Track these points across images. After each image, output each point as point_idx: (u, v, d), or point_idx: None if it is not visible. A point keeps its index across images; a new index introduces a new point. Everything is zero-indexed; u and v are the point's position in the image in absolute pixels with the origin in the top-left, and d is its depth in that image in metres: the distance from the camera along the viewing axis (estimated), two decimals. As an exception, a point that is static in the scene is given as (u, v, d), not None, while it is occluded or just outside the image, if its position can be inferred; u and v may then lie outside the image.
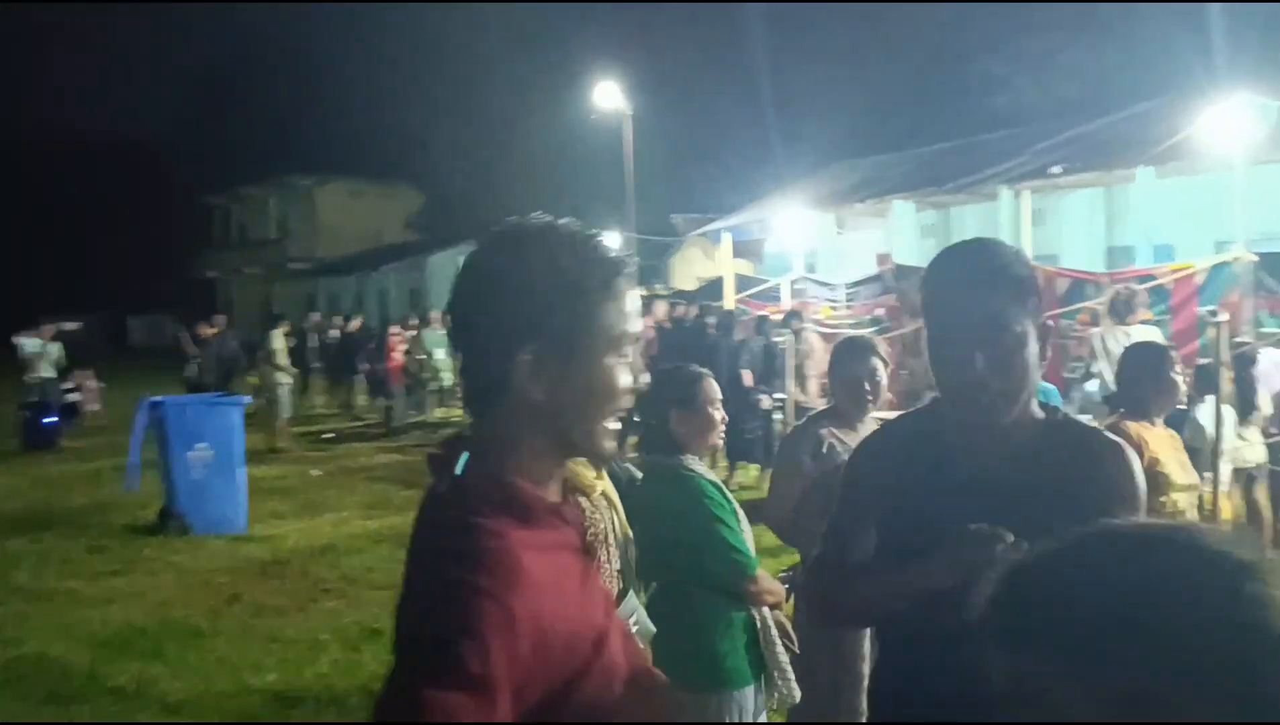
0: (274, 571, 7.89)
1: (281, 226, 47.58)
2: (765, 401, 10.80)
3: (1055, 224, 19.29)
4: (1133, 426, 3.94)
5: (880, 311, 15.42)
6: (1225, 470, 7.08)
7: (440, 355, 17.22)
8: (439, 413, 17.49)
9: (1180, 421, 7.84)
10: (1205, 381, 7.13)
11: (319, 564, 8.04)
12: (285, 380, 14.20)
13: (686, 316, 12.35)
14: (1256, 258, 10.01)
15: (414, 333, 17.31)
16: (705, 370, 3.38)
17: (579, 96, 29.33)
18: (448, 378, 17.59)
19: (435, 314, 17.56)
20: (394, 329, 17.93)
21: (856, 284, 16.31)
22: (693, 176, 33.76)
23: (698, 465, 3.29)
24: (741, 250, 28.09)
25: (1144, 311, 8.08)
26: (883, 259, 23.61)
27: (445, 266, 37.44)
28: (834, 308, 16.29)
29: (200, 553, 8.33)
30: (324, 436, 15.65)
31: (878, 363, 3.96)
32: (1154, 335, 7.70)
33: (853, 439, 3.70)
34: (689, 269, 32.02)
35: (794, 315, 12.06)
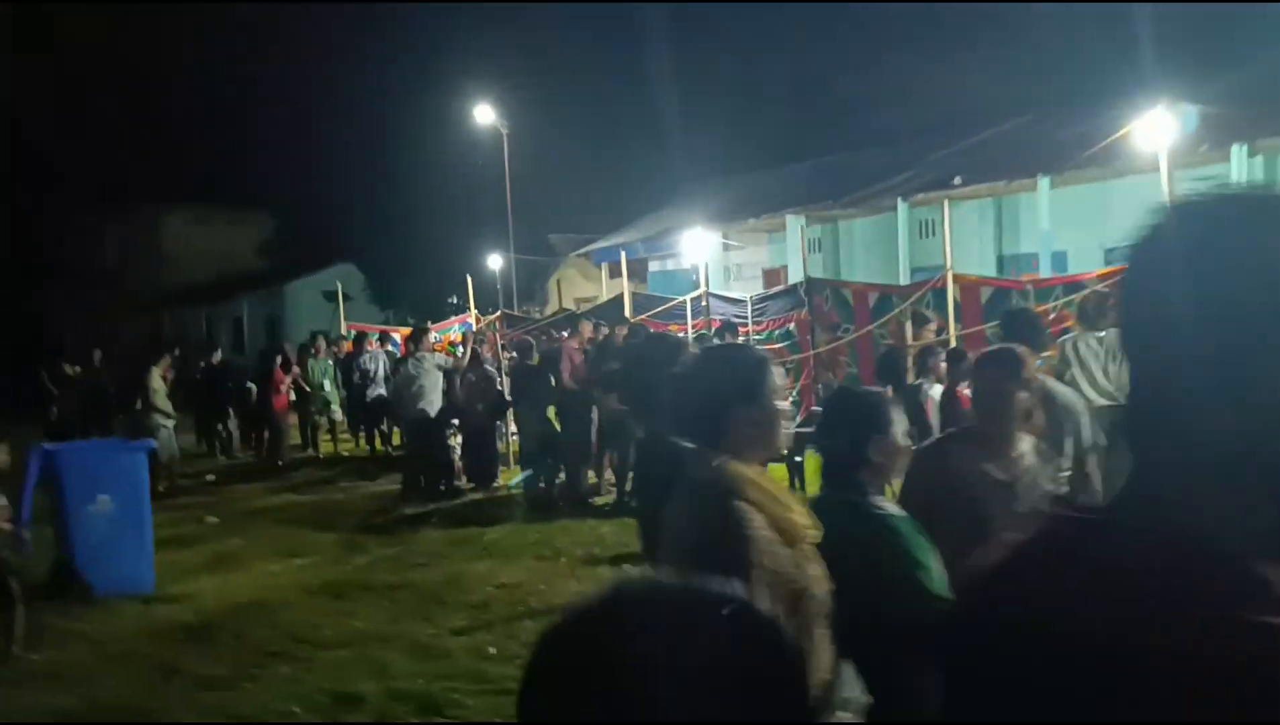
0: (202, 636, 7.08)
1: (121, 256, 44.99)
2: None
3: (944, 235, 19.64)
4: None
5: (791, 325, 15.34)
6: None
7: (329, 387, 16.32)
8: (327, 447, 16.55)
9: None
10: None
11: (253, 624, 7.27)
12: (166, 422, 13.12)
13: (615, 337, 11.91)
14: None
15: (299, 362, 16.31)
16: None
17: (453, 115, 28.64)
18: (338, 411, 16.68)
19: (321, 343, 16.64)
20: (278, 360, 16.88)
21: (765, 298, 16.20)
22: (570, 196, 33.44)
23: (883, 502, 2.86)
24: (621, 270, 27.94)
25: (1113, 315, 8.05)
26: (772, 274, 23.83)
27: (305, 294, 36.00)
28: (742, 323, 16.14)
29: (111, 619, 7.44)
30: (206, 479, 14.55)
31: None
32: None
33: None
34: (567, 290, 31.60)
35: (727, 330, 11.75)
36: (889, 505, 2.84)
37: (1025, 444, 3.74)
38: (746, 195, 23.22)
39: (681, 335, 10.61)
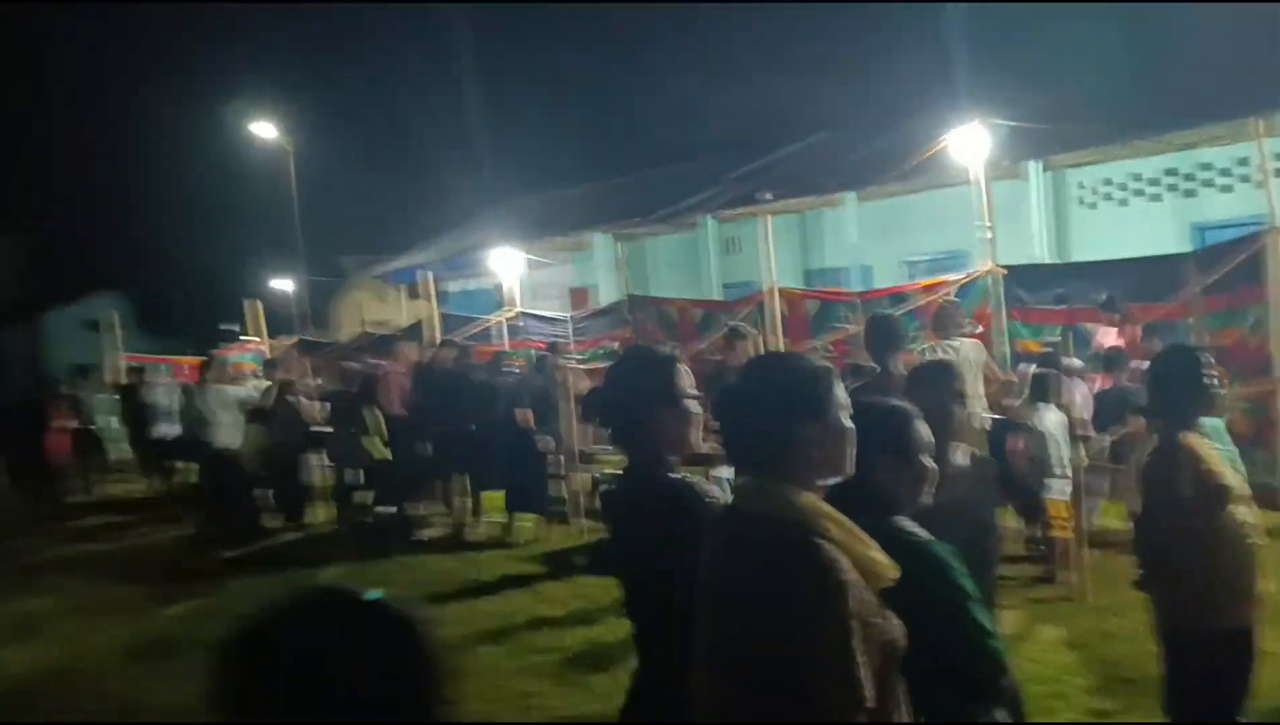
0: (18, 709, 6.22)
1: None
2: (545, 445, 10.15)
3: (750, 251, 20.10)
4: (1188, 438, 3.78)
5: (614, 344, 15.23)
6: (1066, 483, 7.38)
7: (115, 423, 14.99)
8: (114, 489, 15.19)
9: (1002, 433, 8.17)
10: (1041, 391, 7.38)
11: (73, 693, 6.45)
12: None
13: (439, 358, 11.42)
14: (1006, 272, 10.72)
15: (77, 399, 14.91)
16: (913, 408, 2.74)
17: (235, 132, 27.11)
18: (117, 449, 15.35)
19: (104, 377, 15.29)
20: (52, 396, 15.38)
21: (586, 317, 16.03)
22: (361, 215, 32.26)
23: (914, 527, 2.63)
24: (419, 290, 27.15)
25: (966, 324, 8.31)
26: (578, 293, 23.72)
27: (63, 325, 33.24)
28: (558, 342, 15.90)
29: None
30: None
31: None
32: (980, 347, 7.91)
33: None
34: (357, 312, 30.44)
35: (551, 351, 11.49)
36: (920, 530, 2.64)
37: (960, 456, 3.67)
38: (549, 213, 23.06)
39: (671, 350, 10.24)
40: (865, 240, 17.13)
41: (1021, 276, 10.69)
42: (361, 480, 11.40)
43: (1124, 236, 13.76)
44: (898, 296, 11.82)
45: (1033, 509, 8.25)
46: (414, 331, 15.89)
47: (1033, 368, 8.55)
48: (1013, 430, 8.06)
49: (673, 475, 2.60)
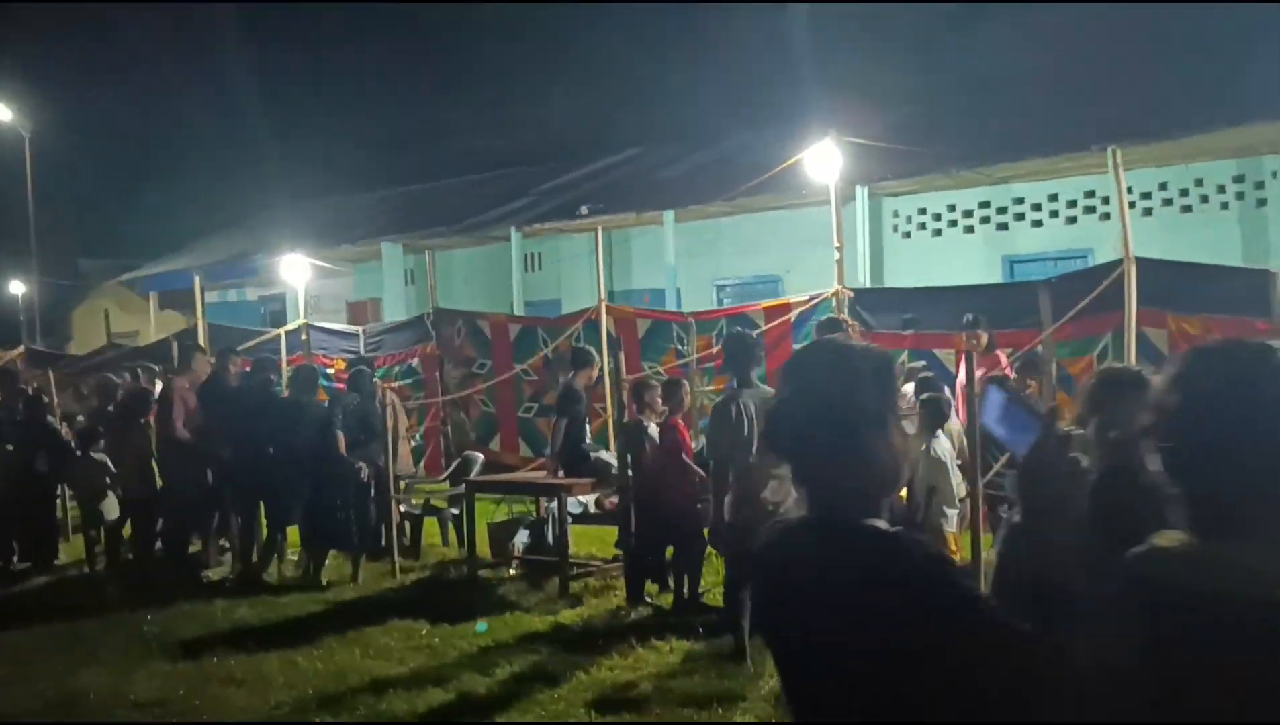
0: None
1: None
2: (365, 473, 8.98)
3: (552, 268, 19.37)
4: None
5: (415, 361, 14.09)
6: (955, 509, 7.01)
7: None
8: None
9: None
10: (935, 417, 6.98)
11: None
12: None
13: (227, 375, 10.01)
14: (852, 293, 10.47)
15: None
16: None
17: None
18: None
19: None
20: None
21: (382, 332, 14.79)
22: (108, 214, 29.19)
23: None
24: (175, 300, 24.77)
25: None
26: (358, 307, 22.20)
27: None
28: (349, 358, 14.58)
29: None
30: None
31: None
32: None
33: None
34: (100, 322, 27.53)
35: (363, 366, 10.29)
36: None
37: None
38: (331, 220, 21.51)
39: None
40: (677, 261, 16.70)
41: (867, 299, 10.48)
42: (116, 513, 9.87)
43: (938, 267, 13.93)
44: (735, 316, 11.38)
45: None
46: (187, 344, 14.14)
47: (908, 391, 8.20)
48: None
49: (883, 525, 1.78)
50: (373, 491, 9.12)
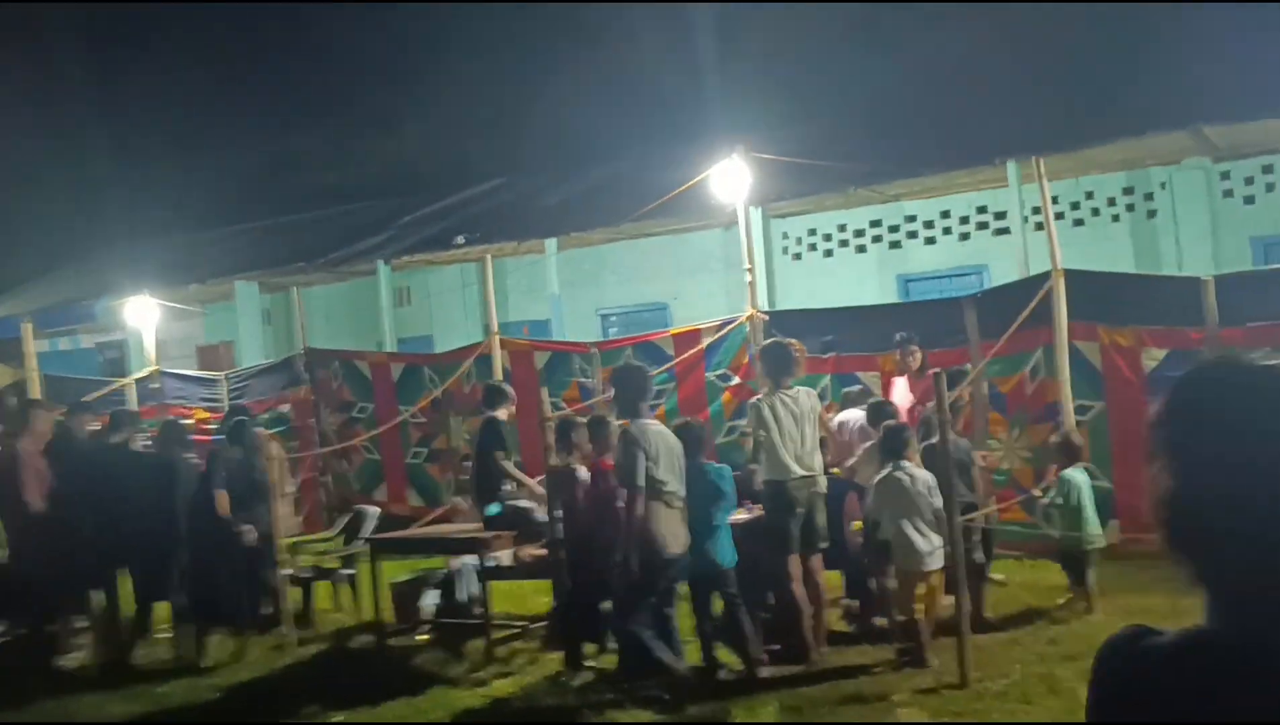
0: None
1: None
2: (249, 535, 7.95)
3: (422, 303, 18.40)
4: None
5: (286, 407, 12.95)
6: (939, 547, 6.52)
7: None
8: None
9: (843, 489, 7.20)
10: (897, 446, 6.48)
11: None
12: None
13: (75, 430, 8.80)
14: (767, 316, 9.97)
15: None
16: None
17: None
18: None
19: None
20: None
21: (248, 376, 13.57)
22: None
23: None
24: (-2, 351, 22.62)
25: (799, 371, 7.23)
26: (208, 351, 20.64)
27: None
28: (213, 408, 13.34)
29: None
30: None
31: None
32: (814, 395, 6.90)
33: None
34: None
35: (242, 416, 9.20)
36: None
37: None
38: (176, 259, 19.92)
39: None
40: (560, 291, 16.01)
41: (783, 322, 9.97)
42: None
43: (830, 288, 13.65)
44: (641, 345, 10.75)
45: (861, 584, 7.36)
46: (25, 400, 12.63)
47: (852, 417, 7.71)
48: (851, 490, 7.15)
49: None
50: (258, 556, 8.08)
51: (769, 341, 6.98)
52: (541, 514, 7.68)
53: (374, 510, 9.55)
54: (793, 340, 6.94)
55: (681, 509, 6.20)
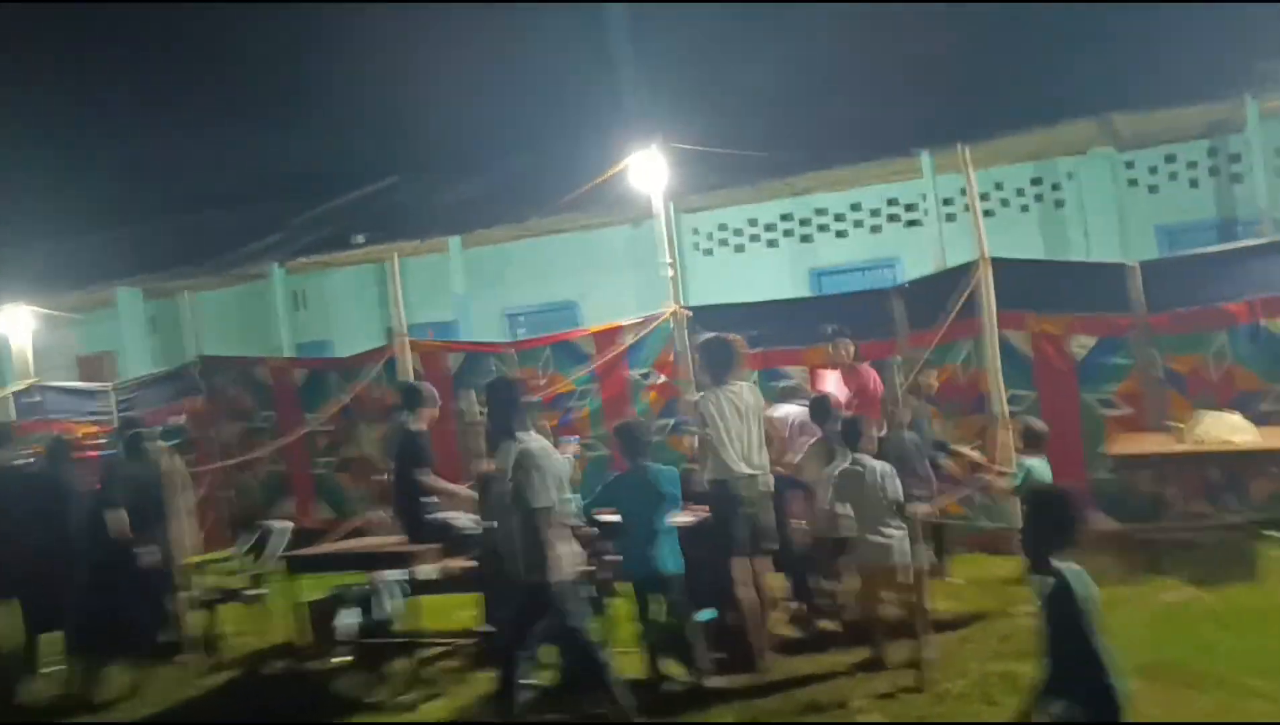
0: None
1: None
2: (150, 557, 7.34)
3: (318, 306, 17.66)
4: None
5: (179, 418, 12.20)
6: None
7: None
8: None
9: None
10: (854, 435, 6.25)
11: None
12: None
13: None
14: (690, 312, 9.68)
15: None
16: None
17: None
18: None
19: None
20: None
21: (137, 387, 12.75)
22: None
23: None
24: None
25: (737, 365, 6.93)
26: (90, 362, 19.51)
27: None
28: (99, 421, 12.50)
29: None
30: None
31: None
32: (757, 391, 6.63)
33: None
34: None
35: (138, 428, 8.52)
36: None
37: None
38: (52, 265, 18.80)
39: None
40: (465, 291, 15.48)
41: (707, 317, 9.71)
42: None
43: (741, 283, 13.46)
44: (559, 343, 10.37)
45: (807, 587, 7.13)
46: None
47: (790, 412, 7.46)
48: (795, 488, 6.90)
49: None
50: (159, 579, 7.48)
51: (708, 337, 6.67)
52: (470, 523, 7.28)
53: (285, 525, 8.98)
54: (734, 335, 6.65)
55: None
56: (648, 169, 9.62)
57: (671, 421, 9.83)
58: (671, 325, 9.71)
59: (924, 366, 8.13)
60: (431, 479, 7.24)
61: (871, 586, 6.11)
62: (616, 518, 6.31)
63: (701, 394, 6.47)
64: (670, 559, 6.12)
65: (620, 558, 6.31)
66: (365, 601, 8.01)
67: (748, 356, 6.82)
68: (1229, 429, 7.47)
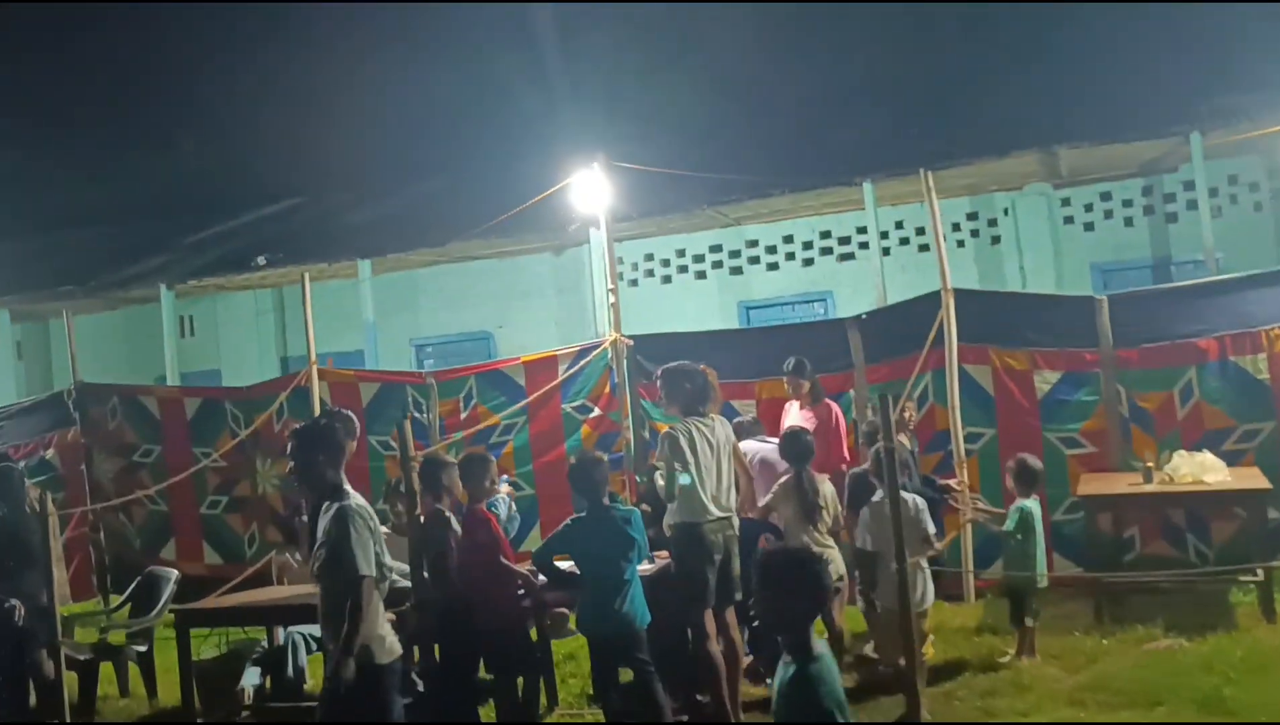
0: None
1: None
2: (17, 611, 6.35)
3: (208, 333, 16.53)
4: None
5: (48, 452, 11.03)
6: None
7: None
8: None
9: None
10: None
11: None
12: None
13: None
14: (631, 341, 9.06)
15: None
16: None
17: None
18: None
19: None
20: None
21: (2, 418, 11.51)
22: None
23: None
24: None
25: (710, 397, 6.30)
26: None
27: None
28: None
29: None
30: None
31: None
32: (726, 425, 6.04)
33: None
34: None
35: (8, 463, 7.50)
36: None
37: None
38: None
39: None
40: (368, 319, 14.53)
41: (650, 347, 9.11)
42: None
43: (670, 315, 12.93)
44: (485, 373, 9.63)
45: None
46: None
47: (752, 449, 6.88)
48: (765, 533, 6.30)
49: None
50: (28, 636, 6.48)
51: (675, 364, 6.04)
52: (401, 569, 6.50)
53: (170, 573, 8.00)
54: (703, 365, 6.05)
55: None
56: (589, 189, 9.01)
57: (605, 457, 9.16)
58: (610, 355, 9.08)
59: (906, 399, 7.64)
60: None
61: (908, 631, 5.41)
62: (571, 566, 5.62)
63: (671, 428, 5.83)
64: (639, 612, 5.45)
65: (575, 611, 5.61)
66: (269, 659, 7.14)
67: (719, 387, 6.22)
68: (1201, 468, 7.15)
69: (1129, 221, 12.26)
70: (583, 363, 9.10)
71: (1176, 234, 12.04)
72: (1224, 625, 6.66)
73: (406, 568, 6.63)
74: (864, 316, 8.57)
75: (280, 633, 7.12)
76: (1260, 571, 6.92)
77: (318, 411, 9.72)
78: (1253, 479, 7.16)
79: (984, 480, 8.01)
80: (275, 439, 10.02)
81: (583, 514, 5.57)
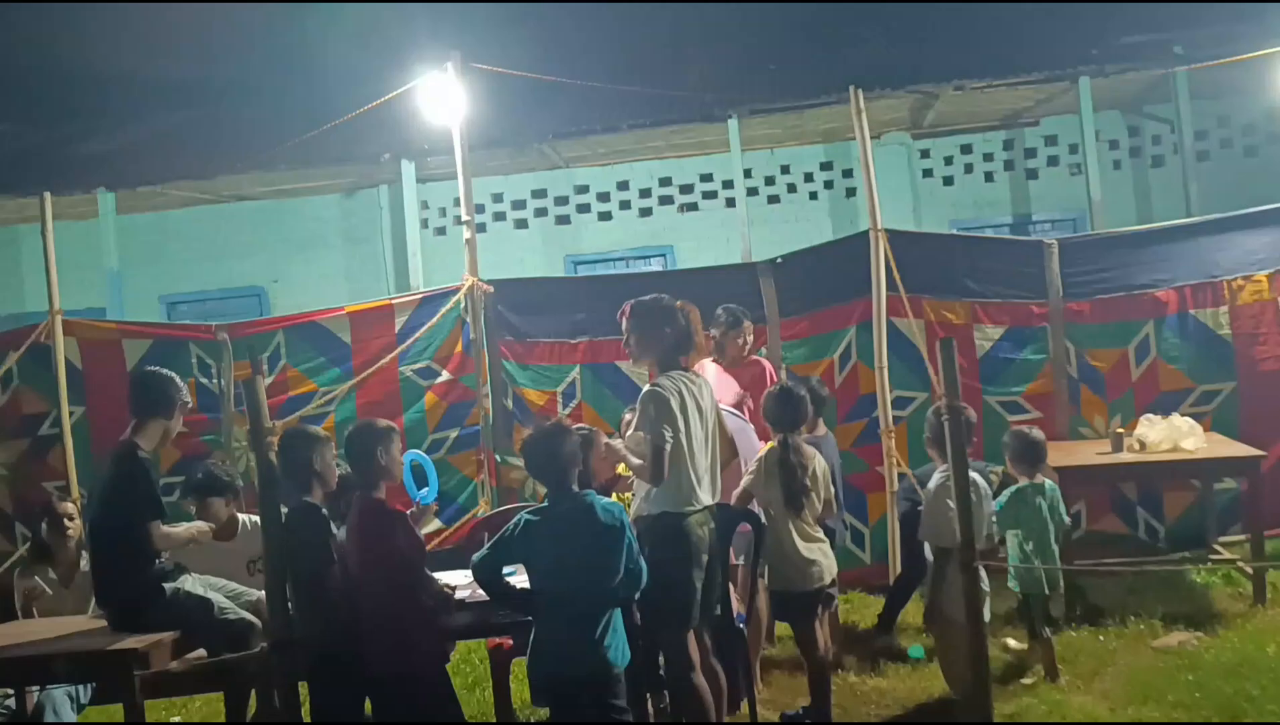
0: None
1: None
2: None
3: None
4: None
5: None
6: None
7: None
8: None
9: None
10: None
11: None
12: None
13: None
14: (491, 287, 7.40)
15: None
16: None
17: None
18: None
19: None
20: None
21: None
22: None
23: None
24: None
25: (698, 349, 4.74)
26: None
27: None
28: None
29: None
30: None
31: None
32: (709, 387, 4.58)
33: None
34: None
35: None
36: None
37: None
38: None
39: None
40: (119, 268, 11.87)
41: (514, 294, 7.52)
42: None
43: (483, 269, 11.21)
44: (303, 327, 7.66)
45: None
46: None
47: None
48: (743, 522, 4.86)
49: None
50: None
51: (648, 299, 4.48)
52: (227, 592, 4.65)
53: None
54: (680, 301, 4.55)
55: None
56: (440, 94, 7.25)
57: (455, 432, 7.50)
58: (464, 305, 7.37)
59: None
60: (163, 530, 4.52)
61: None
62: (523, 580, 4.01)
63: (653, 384, 4.30)
64: (618, 647, 3.92)
65: (529, 646, 3.99)
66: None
67: (704, 333, 4.76)
68: (1177, 433, 6.35)
69: (989, 176, 11.65)
70: (434, 318, 7.35)
71: (1036, 191, 11.54)
72: (1220, 620, 5.84)
73: (246, 589, 4.83)
74: (779, 261, 7.29)
75: (32, 692, 5.04)
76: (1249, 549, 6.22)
77: (63, 376, 7.52)
78: (1229, 446, 6.45)
79: (913, 450, 6.96)
80: (6, 412, 7.70)
81: (543, 504, 3.96)
